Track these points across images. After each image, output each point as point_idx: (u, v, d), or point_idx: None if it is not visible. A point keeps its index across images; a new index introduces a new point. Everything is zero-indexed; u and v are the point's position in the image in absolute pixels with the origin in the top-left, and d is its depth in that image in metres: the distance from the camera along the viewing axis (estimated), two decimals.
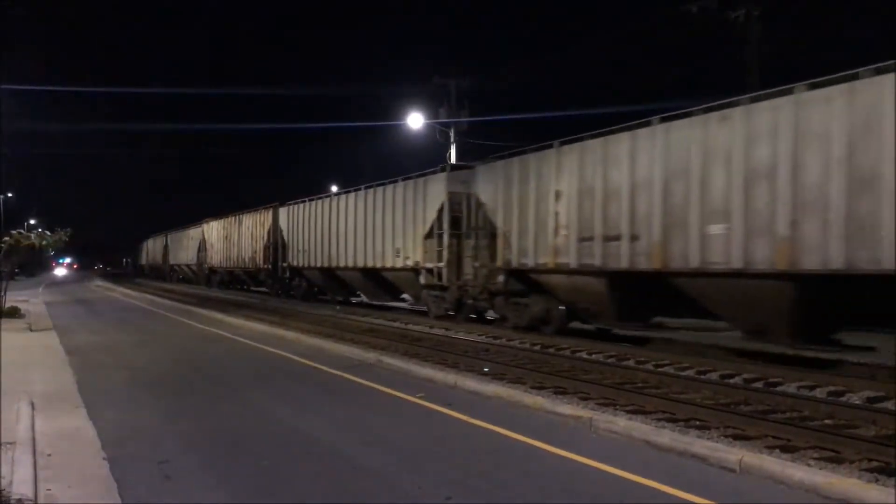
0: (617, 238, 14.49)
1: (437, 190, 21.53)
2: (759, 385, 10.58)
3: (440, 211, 21.13)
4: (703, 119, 12.93)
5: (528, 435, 7.84)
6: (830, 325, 12.03)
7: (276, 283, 35.39)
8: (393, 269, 24.00)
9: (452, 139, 34.32)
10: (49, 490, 5.96)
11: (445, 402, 9.66)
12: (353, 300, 30.81)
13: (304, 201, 32.24)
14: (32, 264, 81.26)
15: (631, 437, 7.68)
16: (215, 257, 45.85)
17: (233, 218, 42.19)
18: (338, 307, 27.02)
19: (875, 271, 10.15)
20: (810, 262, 11.01)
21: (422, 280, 21.95)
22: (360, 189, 26.88)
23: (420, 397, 9.99)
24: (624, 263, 14.33)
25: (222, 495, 6.07)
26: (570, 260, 15.72)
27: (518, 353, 14.36)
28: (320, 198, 30.91)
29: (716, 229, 12.42)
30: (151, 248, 74.80)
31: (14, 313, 23.06)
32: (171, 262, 61.68)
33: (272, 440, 7.89)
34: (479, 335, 17.41)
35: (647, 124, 14.06)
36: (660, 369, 12.05)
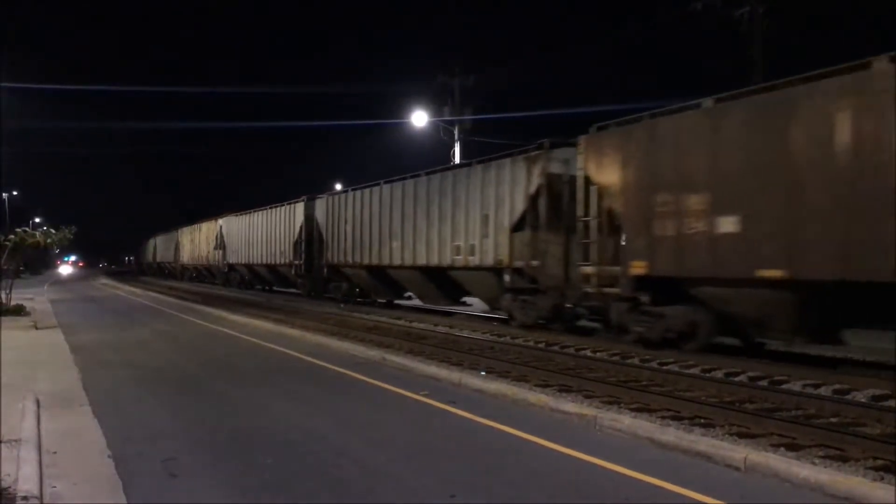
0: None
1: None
2: (763, 383, 10.56)
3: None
4: None
5: (532, 433, 7.84)
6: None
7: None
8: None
9: (457, 137, 34.32)
10: (54, 488, 5.98)
11: (450, 400, 9.66)
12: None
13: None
14: (37, 262, 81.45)
15: (636, 435, 7.67)
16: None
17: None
18: (342, 305, 27.00)
19: None
20: None
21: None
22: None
23: (424, 395, 10.00)
24: None
25: (228, 493, 6.08)
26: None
27: (522, 350, 14.35)
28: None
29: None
30: (159, 246, 73.52)
31: (19, 311, 23.12)
32: (183, 259, 59.22)
33: (277, 438, 7.89)
34: (484, 333, 17.40)
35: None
36: (664, 367, 12.03)
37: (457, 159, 32.68)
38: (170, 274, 65.52)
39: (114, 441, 7.53)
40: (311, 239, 31.34)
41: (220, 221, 46.00)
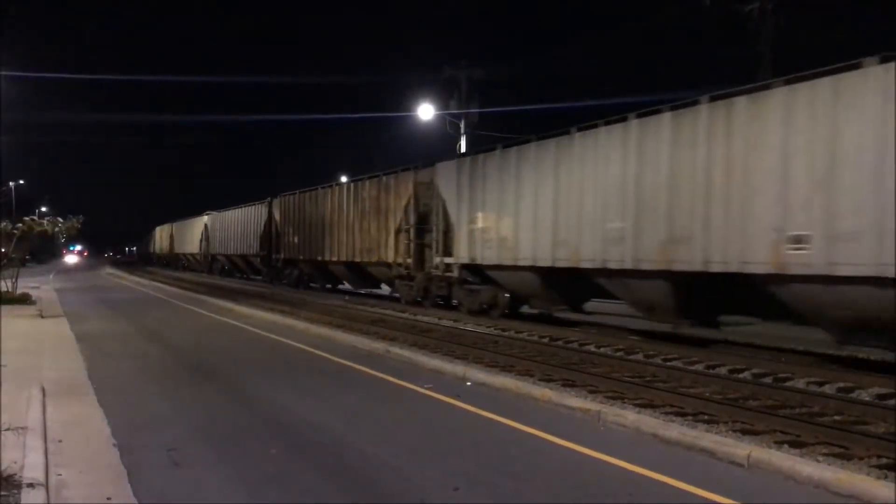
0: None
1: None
2: (768, 380, 10.55)
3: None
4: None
5: (536, 427, 7.85)
6: None
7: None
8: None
9: (462, 131, 34.25)
10: (60, 475, 6.01)
11: (454, 393, 9.67)
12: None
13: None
14: (43, 251, 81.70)
15: (639, 430, 7.67)
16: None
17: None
18: (346, 297, 27.07)
19: None
20: None
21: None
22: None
23: (428, 388, 10.01)
24: None
25: (232, 483, 6.10)
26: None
27: (527, 345, 14.35)
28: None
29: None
30: (160, 237, 75.47)
31: (25, 300, 23.21)
32: (177, 250, 63.73)
33: (281, 429, 7.92)
34: (489, 327, 17.41)
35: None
36: (669, 363, 12.02)
37: (463, 151, 32.57)
38: (167, 263, 68.64)
39: (119, 430, 7.57)
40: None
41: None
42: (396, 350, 13.33)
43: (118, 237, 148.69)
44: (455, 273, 20.02)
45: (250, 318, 20.02)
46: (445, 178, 20.52)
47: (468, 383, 10.52)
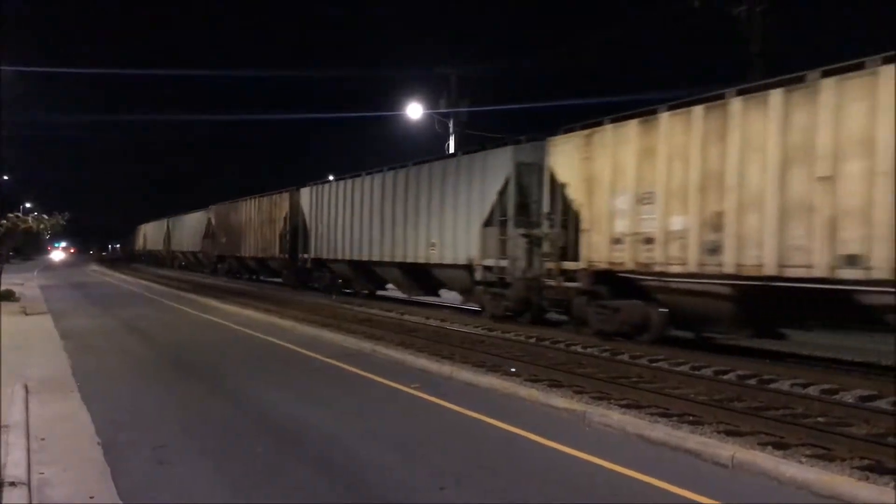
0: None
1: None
2: (752, 382, 10.59)
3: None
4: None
5: (522, 427, 7.86)
6: None
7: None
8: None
9: (451, 130, 34.25)
10: (42, 474, 5.97)
11: (440, 393, 9.68)
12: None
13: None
14: (28, 248, 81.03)
15: (625, 430, 7.70)
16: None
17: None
18: (333, 296, 26.94)
19: None
20: None
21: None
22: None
23: (415, 388, 10.01)
24: None
25: (217, 481, 6.09)
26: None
27: (513, 345, 14.37)
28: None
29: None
30: (150, 234, 72.86)
31: (9, 297, 23.04)
32: (173, 247, 59.00)
33: (267, 427, 7.91)
34: (475, 327, 17.42)
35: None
36: (654, 364, 12.06)
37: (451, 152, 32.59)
38: (159, 262, 64.26)
39: (103, 427, 7.53)
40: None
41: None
42: (383, 349, 13.32)
43: (103, 234, 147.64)
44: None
45: (236, 317, 19.95)
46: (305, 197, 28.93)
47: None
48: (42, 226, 24.97)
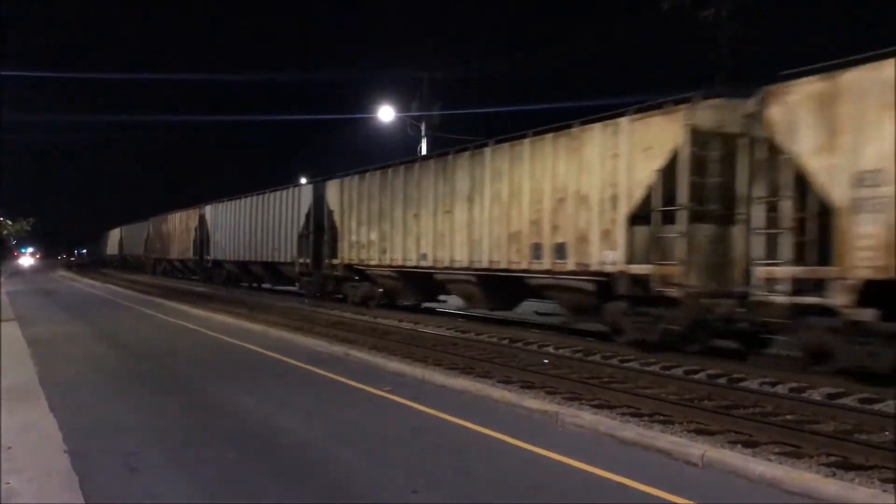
0: None
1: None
2: (722, 381, 10.71)
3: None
4: None
5: (494, 428, 7.87)
6: None
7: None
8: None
9: (423, 133, 34.26)
10: (8, 483, 5.88)
11: (413, 395, 9.66)
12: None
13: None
14: None
15: (596, 431, 7.74)
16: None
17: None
18: (306, 300, 26.81)
19: None
20: None
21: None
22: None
23: (388, 391, 9.99)
24: None
25: (188, 487, 6.03)
26: None
27: (487, 347, 14.39)
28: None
29: None
30: (126, 237, 71.81)
31: None
32: (125, 252, 66.24)
33: (239, 433, 7.84)
34: (448, 329, 17.42)
35: None
36: (625, 364, 12.15)
37: (423, 153, 32.60)
38: (137, 267, 61.47)
39: (71, 436, 7.42)
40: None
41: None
42: (356, 353, 13.27)
43: (70, 239, 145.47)
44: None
45: (207, 321, 19.76)
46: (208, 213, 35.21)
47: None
48: (6, 231, 24.56)
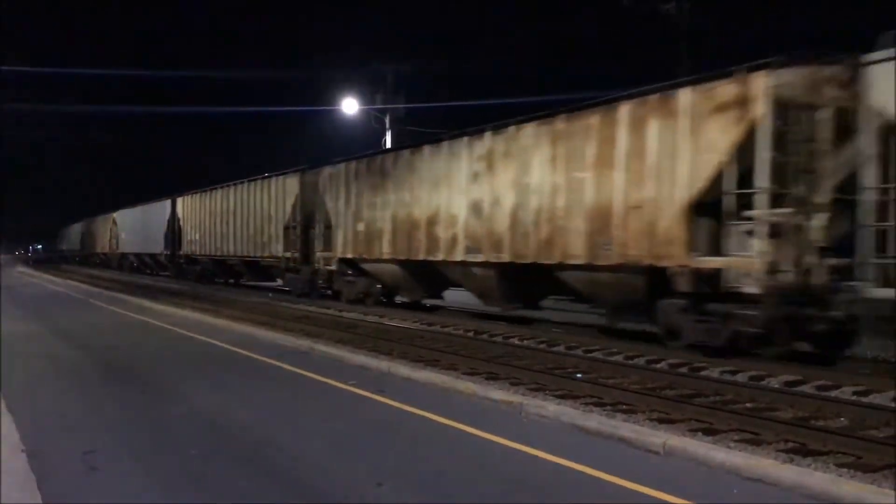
0: None
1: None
2: (684, 370, 10.86)
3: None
4: None
5: (459, 420, 7.89)
6: None
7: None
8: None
9: (388, 125, 34.17)
10: None
11: (378, 389, 9.65)
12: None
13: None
14: None
15: (560, 421, 7.80)
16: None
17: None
18: (270, 294, 26.65)
19: None
20: None
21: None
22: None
23: (352, 385, 9.96)
24: None
25: (150, 485, 5.96)
26: None
27: (452, 339, 14.42)
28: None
29: None
30: (91, 231, 69.39)
31: None
32: (87, 248, 64.19)
33: (201, 429, 7.76)
34: (413, 322, 17.42)
35: None
36: (589, 354, 12.26)
37: (388, 146, 32.51)
38: (102, 263, 59.70)
39: (29, 436, 7.28)
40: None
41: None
42: (321, 347, 13.22)
43: (28, 235, 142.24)
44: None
45: (170, 317, 19.53)
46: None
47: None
48: None
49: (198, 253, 35.56)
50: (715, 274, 11.40)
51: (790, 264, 10.80)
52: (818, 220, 10.92)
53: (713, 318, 11.54)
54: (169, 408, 8.85)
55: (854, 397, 8.99)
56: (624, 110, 12.99)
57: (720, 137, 11.32)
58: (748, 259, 11.01)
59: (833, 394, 9.22)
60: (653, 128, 12.40)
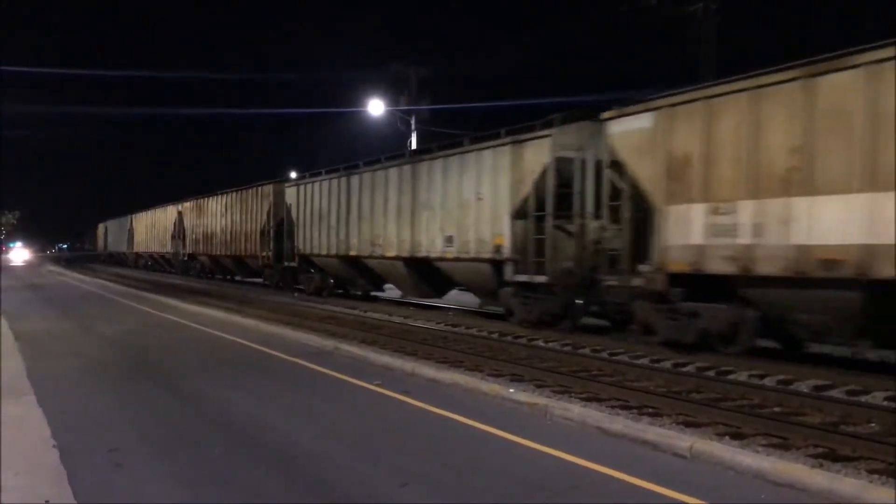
0: None
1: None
2: (710, 374, 10.77)
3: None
4: None
5: (484, 422, 7.89)
6: None
7: (279, 275, 29.85)
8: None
9: (413, 127, 34.24)
10: None
11: (403, 389, 9.67)
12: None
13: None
14: None
15: (585, 423, 7.77)
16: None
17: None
18: (295, 294, 26.79)
19: None
20: None
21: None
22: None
23: (377, 385, 9.99)
24: None
25: (175, 483, 6.02)
26: None
27: (476, 341, 14.42)
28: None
29: None
30: (111, 232, 70.02)
31: None
32: (110, 247, 66.66)
33: (226, 428, 7.83)
34: (438, 323, 17.44)
35: None
36: (614, 357, 12.20)
37: (413, 148, 32.57)
38: (120, 262, 63.52)
39: (59, 431, 7.39)
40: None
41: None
42: (346, 347, 13.27)
43: (54, 233, 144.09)
44: None
45: (197, 316, 19.71)
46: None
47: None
48: None
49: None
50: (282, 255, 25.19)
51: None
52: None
53: (275, 272, 22.73)
54: (195, 406, 8.94)
55: (885, 402, 8.87)
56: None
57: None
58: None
59: (863, 399, 9.10)
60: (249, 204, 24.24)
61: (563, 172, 15.18)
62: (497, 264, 16.70)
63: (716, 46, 23.13)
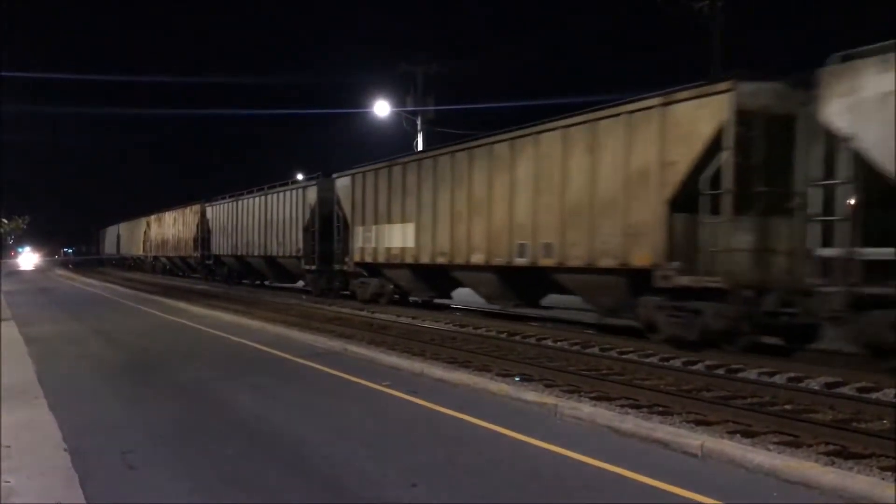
0: None
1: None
2: (720, 372, 10.74)
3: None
4: None
5: (493, 422, 7.88)
6: None
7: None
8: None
9: (419, 127, 34.24)
10: (8, 482, 5.87)
11: (411, 390, 9.67)
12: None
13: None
14: None
15: (595, 423, 7.75)
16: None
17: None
18: (303, 297, 26.86)
19: None
20: None
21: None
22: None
23: (386, 385, 9.99)
24: None
25: (187, 485, 6.03)
26: None
27: (485, 340, 14.41)
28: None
29: None
30: (123, 235, 70.85)
31: None
32: (123, 250, 67.02)
33: (237, 429, 7.84)
34: (446, 323, 17.43)
35: None
36: (624, 356, 12.17)
37: (420, 148, 32.57)
38: (135, 266, 61.77)
39: (70, 434, 7.41)
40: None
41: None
42: (354, 348, 13.27)
43: (62, 237, 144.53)
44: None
45: (205, 319, 19.75)
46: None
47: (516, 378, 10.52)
48: (2, 230, 24.51)
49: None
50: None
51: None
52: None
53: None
54: (206, 408, 8.95)
55: None
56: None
57: None
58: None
59: (874, 396, 9.06)
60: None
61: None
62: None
63: (721, 42, 23.06)
